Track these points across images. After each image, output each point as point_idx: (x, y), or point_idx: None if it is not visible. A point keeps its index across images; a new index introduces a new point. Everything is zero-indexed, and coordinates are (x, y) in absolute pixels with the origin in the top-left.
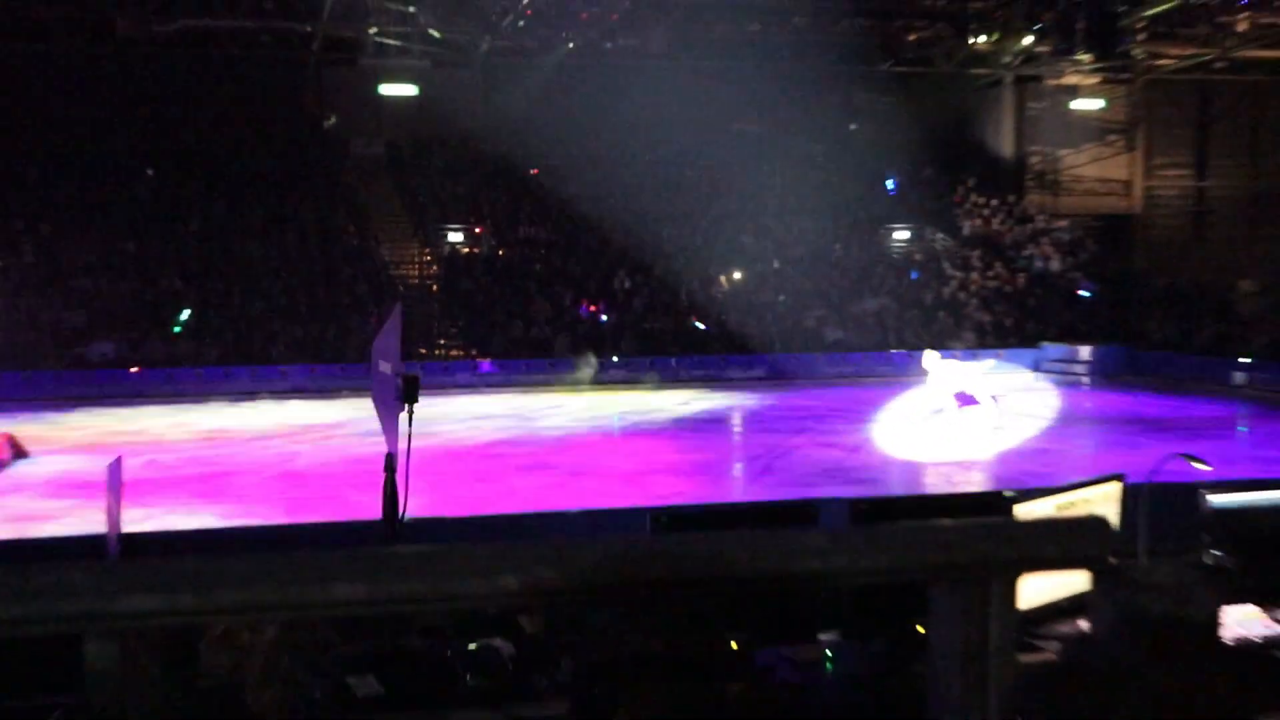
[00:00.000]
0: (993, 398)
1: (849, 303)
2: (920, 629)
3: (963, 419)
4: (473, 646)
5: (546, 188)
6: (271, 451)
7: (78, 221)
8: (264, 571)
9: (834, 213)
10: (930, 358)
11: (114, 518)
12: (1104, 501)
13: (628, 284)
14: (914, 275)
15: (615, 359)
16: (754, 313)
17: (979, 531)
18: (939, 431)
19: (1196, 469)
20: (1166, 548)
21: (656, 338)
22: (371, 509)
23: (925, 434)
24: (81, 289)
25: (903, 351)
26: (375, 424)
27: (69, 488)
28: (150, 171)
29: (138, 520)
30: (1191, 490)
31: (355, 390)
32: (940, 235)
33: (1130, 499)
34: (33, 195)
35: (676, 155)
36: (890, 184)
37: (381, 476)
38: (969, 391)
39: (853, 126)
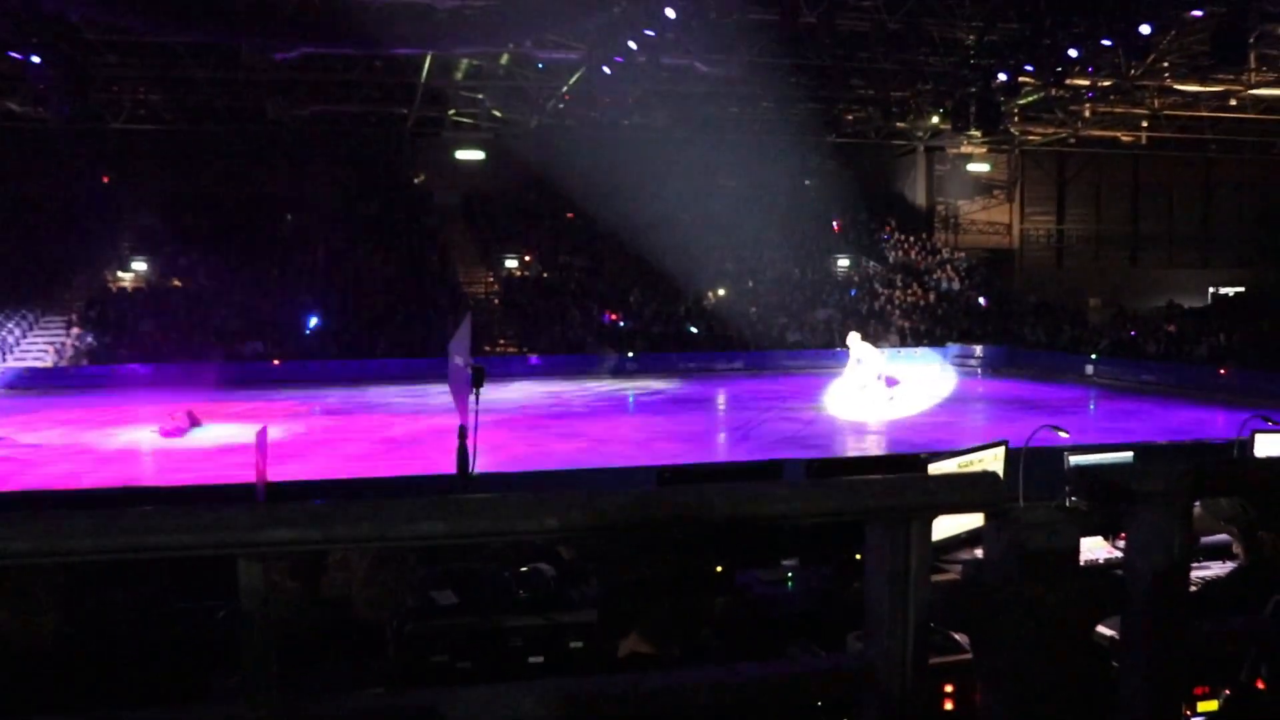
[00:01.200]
0: (889, 380)
1: (805, 312)
2: (859, 557)
3: (885, 395)
4: (524, 569)
5: (580, 227)
6: (375, 423)
7: (236, 253)
8: (370, 512)
9: (794, 245)
10: (854, 338)
11: (261, 471)
12: (993, 461)
13: (640, 298)
14: (853, 292)
15: (630, 355)
16: (734, 320)
17: (902, 483)
18: (869, 406)
19: (1060, 436)
20: (1038, 495)
21: (661, 339)
22: (448, 466)
23: (859, 409)
24: (238, 302)
25: (845, 350)
26: (451, 403)
27: (229, 451)
28: (289, 217)
29: (278, 473)
30: (1057, 453)
31: (438, 378)
32: (872, 263)
33: (1012, 459)
34: (203, 235)
35: (676, 202)
36: (835, 224)
37: (455, 442)
38: (890, 374)
39: (807, 182)
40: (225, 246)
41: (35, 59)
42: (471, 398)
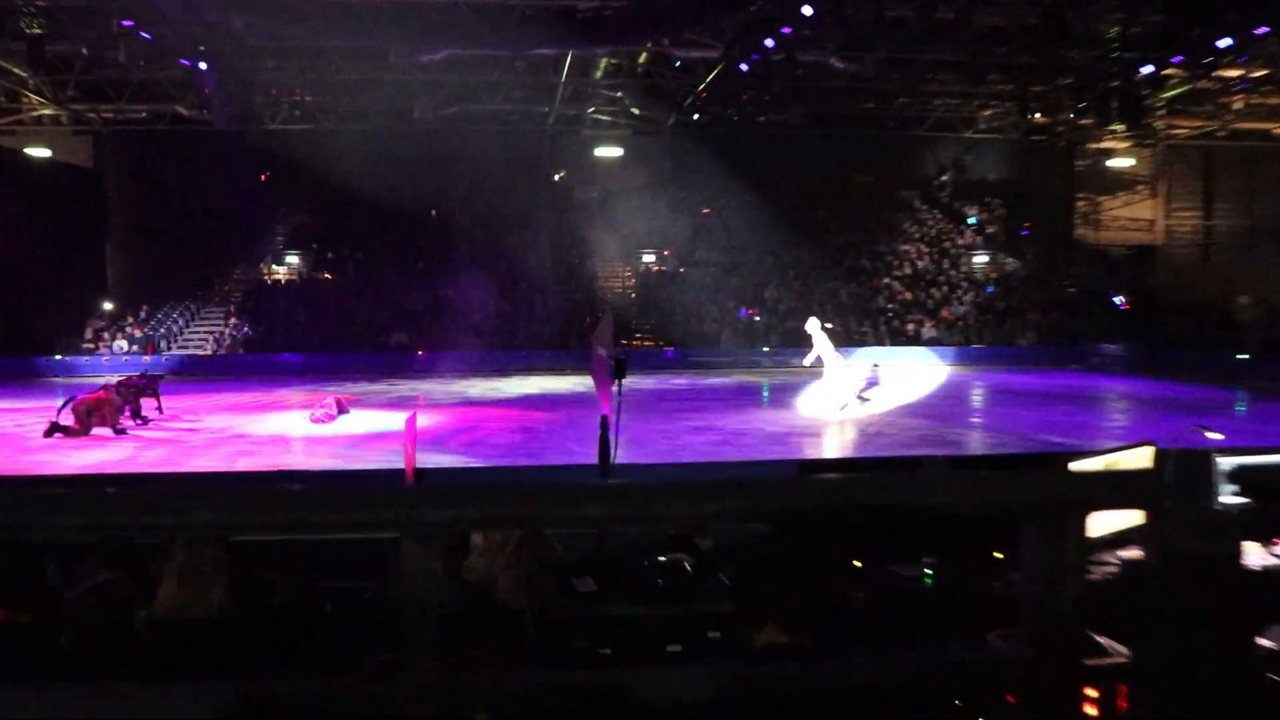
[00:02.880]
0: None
1: (942, 308)
2: (996, 554)
3: (847, 391)
4: (662, 559)
5: (716, 222)
6: (515, 413)
7: (384, 249)
8: (532, 494)
9: (929, 241)
10: (813, 325)
11: (410, 456)
12: (1139, 462)
13: (776, 294)
14: (990, 289)
15: (765, 350)
16: (870, 316)
17: (1060, 478)
18: (833, 401)
19: (1209, 437)
20: (1187, 499)
21: (797, 334)
22: (587, 455)
23: (832, 403)
24: (386, 294)
25: (981, 346)
26: (594, 393)
27: (376, 438)
28: (433, 213)
29: (426, 459)
30: (1206, 453)
31: (576, 369)
32: (1009, 259)
33: (1160, 460)
34: (353, 232)
35: (810, 199)
36: (973, 221)
37: (597, 432)
38: (864, 372)
39: (944, 178)
40: (373, 241)
41: (202, 65)
42: (614, 388)
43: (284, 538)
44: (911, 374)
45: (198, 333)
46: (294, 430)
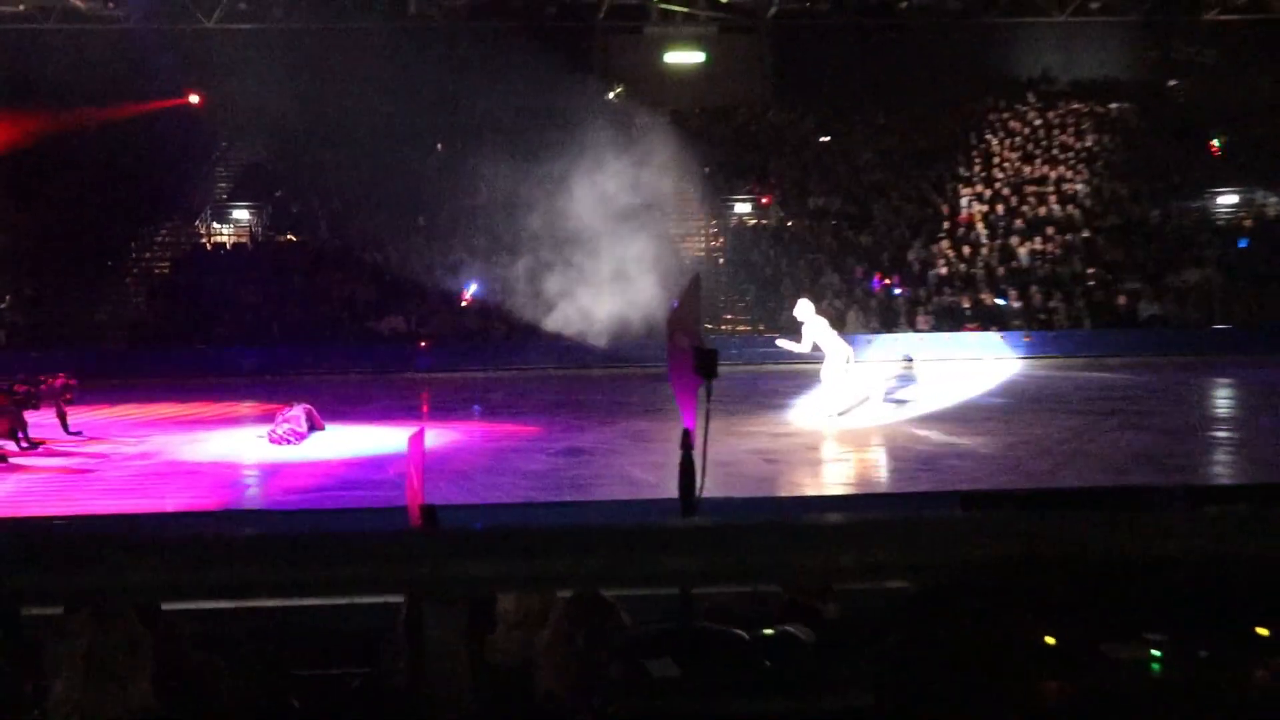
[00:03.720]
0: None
1: (1166, 273)
2: (1260, 630)
3: (856, 393)
4: (769, 631)
5: (838, 156)
6: (556, 427)
7: (369, 197)
8: (601, 539)
9: (1148, 177)
10: (804, 308)
11: (415, 489)
12: None
13: (923, 256)
14: (1242, 243)
15: (909, 333)
16: (1060, 285)
17: None
18: (835, 406)
19: None
20: None
21: (953, 313)
22: (660, 486)
23: (833, 409)
24: (372, 263)
25: (1229, 327)
26: (659, 400)
27: (366, 463)
28: (439, 147)
29: (436, 491)
30: None
31: (643, 365)
32: (1275, 199)
33: None
34: (327, 176)
35: (971, 118)
36: (1213, 145)
37: (675, 453)
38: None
39: (1171, 83)
40: (355, 188)
41: None
42: (700, 391)
43: (234, 605)
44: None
45: (107, 319)
46: (246, 454)
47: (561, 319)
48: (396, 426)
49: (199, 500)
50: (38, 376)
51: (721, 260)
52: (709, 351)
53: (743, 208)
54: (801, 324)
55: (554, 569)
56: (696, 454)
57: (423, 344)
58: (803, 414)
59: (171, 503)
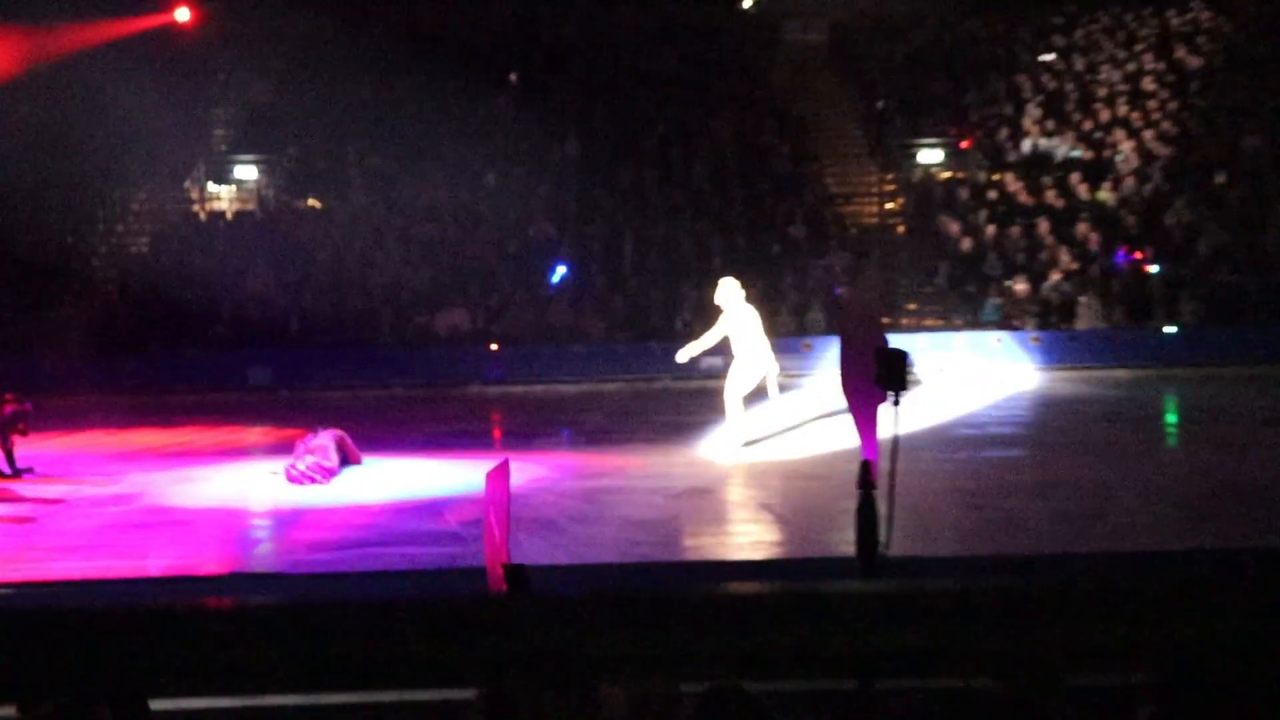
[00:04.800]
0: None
1: None
2: None
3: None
4: None
5: (1060, 81)
6: (678, 459)
7: (418, 147)
8: (745, 606)
9: None
10: (729, 288)
11: (496, 541)
12: None
13: (1188, 219)
14: None
15: (1173, 328)
16: None
17: None
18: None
19: None
20: None
21: (1230, 298)
22: (817, 542)
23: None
24: (425, 238)
25: None
26: (812, 421)
27: (417, 510)
28: (513, 77)
29: (524, 546)
30: None
31: (786, 373)
32: None
33: None
34: (358, 119)
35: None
36: None
37: (850, 494)
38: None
39: None
40: (399, 136)
41: None
42: (885, 407)
43: (241, 704)
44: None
45: (65, 315)
46: (256, 497)
47: (684, 316)
48: (459, 459)
49: (192, 561)
50: None
51: (901, 228)
52: (896, 354)
53: (930, 156)
54: (721, 310)
55: (679, 649)
56: (881, 494)
57: (493, 347)
58: (716, 450)
59: (155, 564)
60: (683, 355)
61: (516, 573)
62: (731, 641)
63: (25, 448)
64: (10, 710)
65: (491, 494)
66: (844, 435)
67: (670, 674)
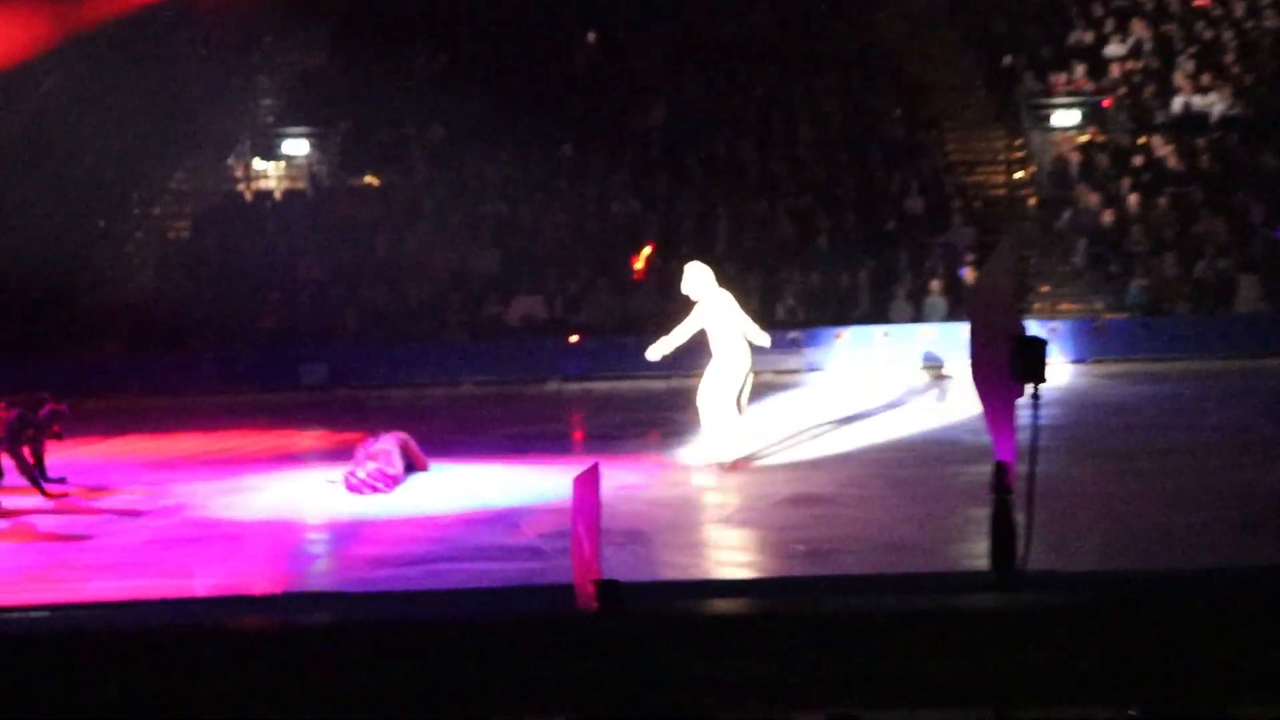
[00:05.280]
0: None
1: None
2: None
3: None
4: None
5: (1225, 25)
6: (781, 464)
7: (488, 120)
8: (866, 632)
9: None
10: (696, 274)
11: (585, 556)
12: None
13: None
14: None
15: None
16: None
17: None
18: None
19: None
20: None
21: None
22: (940, 554)
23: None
24: (494, 218)
25: None
26: (936, 416)
27: (491, 520)
28: (591, 37)
29: (618, 561)
30: None
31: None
32: None
33: None
34: (423, 88)
35: None
36: None
37: (982, 498)
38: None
39: None
40: (467, 104)
41: None
42: (1023, 401)
43: None
44: None
45: (97, 308)
46: (312, 509)
47: (785, 303)
48: (536, 464)
49: (242, 579)
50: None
51: (1032, 200)
52: (1033, 343)
53: (1065, 117)
54: (693, 302)
55: (793, 674)
56: (1018, 499)
57: (573, 338)
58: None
59: (201, 583)
60: (653, 353)
61: (610, 590)
62: (851, 664)
63: (56, 455)
64: None
65: (580, 501)
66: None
67: (783, 702)
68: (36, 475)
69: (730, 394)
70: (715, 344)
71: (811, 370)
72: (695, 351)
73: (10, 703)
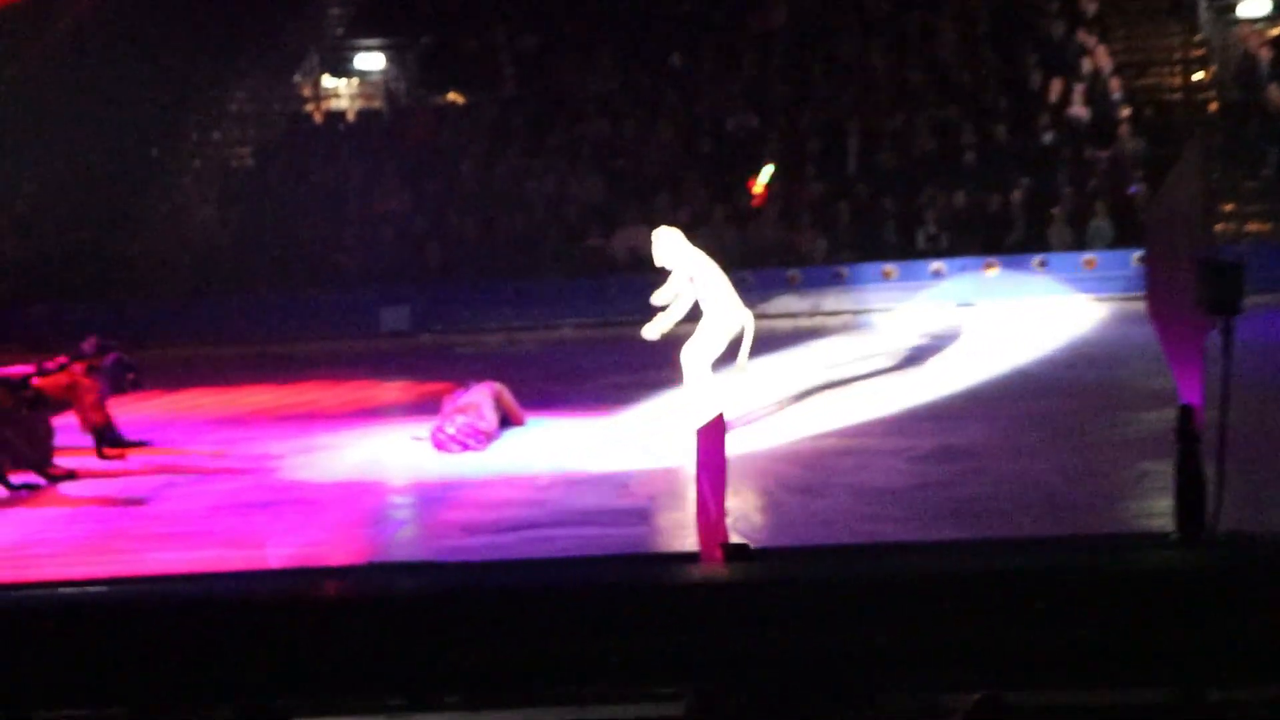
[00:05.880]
0: None
1: None
2: None
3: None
4: None
5: None
6: (924, 414)
7: (586, 27)
8: (1024, 591)
9: None
10: (667, 238)
11: (711, 515)
12: None
13: None
14: None
15: None
16: None
17: None
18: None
19: None
20: None
21: None
22: (1103, 512)
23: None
24: (595, 138)
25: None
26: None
27: (595, 477)
28: None
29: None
30: None
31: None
32: None
33: None
34: None
35: None
36: None
37: (1130, 456)
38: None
39: None
40: (554, 12)
41: None
42: (1213, 338)
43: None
44: None
45: (150, 247)
46: (396, 469)
47: (928, 228)
48: (645, 418)
49: (320, 548)
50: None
51: (1213, 105)
52: (1226, 268)
53: (1253, 7)
54: (667, 271)
55: (940, 646)
56: (1206, 448)
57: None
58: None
59: (276, 553)
60: (649, 332)
61: (740, 554)
62: (1010, 636)
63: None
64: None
65: (704, 456)
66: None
67: (932, 677)
68: (113, 432)
69: (709, 357)
70: (705, 307)
71: (958, 306)
72: (827, 285)
73: (64, 684)
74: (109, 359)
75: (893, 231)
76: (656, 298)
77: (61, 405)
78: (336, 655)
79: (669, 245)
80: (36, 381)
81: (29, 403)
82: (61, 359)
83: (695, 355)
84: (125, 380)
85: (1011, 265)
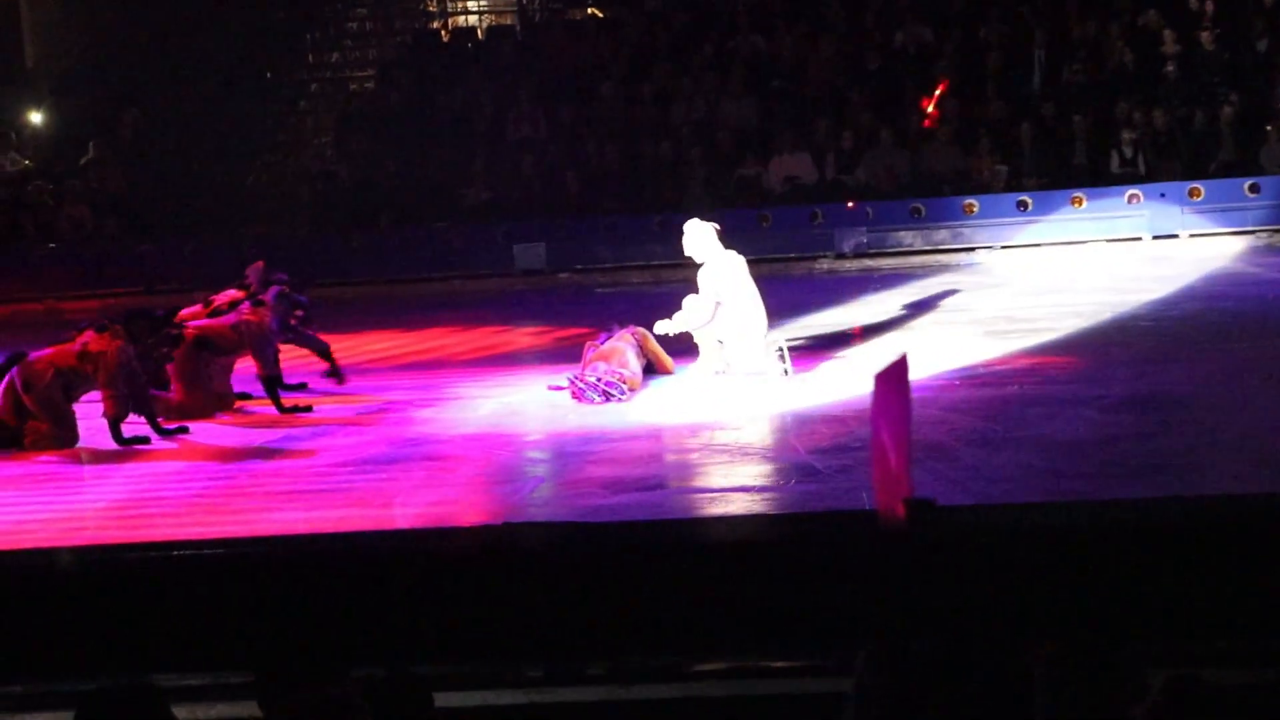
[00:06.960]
0: None
1: None
2: None
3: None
4: None
5: None
6: (1117, 358)
7: None
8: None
9: None
10: (698, 232)
11: (893, 468)
12: None
13: None
14: None
15: None
16: None
17: None
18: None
19: None
20: None
21: None
22: None
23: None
24: (748, 56)
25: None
26: None
27: (754, 429)
28: None
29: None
30: None
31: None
32: None
33: None
34: None
35: None
36: None
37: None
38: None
39: None
40: None
41: None
42: None
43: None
44: None
45: (265, 181)
46: (534, 420)
47: (1117, 145)
48: (805, 363)
49: (451, 507)
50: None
51: None
52: None
53: None
54: (698, 265)
55: (1137, 613)
56: None
57: (850, 204)
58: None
59: (403, 513)
60: (661, 328)
61: (924, 510)
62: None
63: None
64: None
65: (883, 403)
66: None
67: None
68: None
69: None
70: (728, 310)
71: (1157, 237)
72: (1009, 215)
73: (180, 649)
74: (270, 293)
75: (1083, 155)
76: (665, 325)
77: (230, 349)
78: (467, 625)
79: (701, 238)
80: (200, 323)
81: (172, 341)
82: (232, 293)
83: (702, 368)
84: (293, 316)
85: (1218, 191)
